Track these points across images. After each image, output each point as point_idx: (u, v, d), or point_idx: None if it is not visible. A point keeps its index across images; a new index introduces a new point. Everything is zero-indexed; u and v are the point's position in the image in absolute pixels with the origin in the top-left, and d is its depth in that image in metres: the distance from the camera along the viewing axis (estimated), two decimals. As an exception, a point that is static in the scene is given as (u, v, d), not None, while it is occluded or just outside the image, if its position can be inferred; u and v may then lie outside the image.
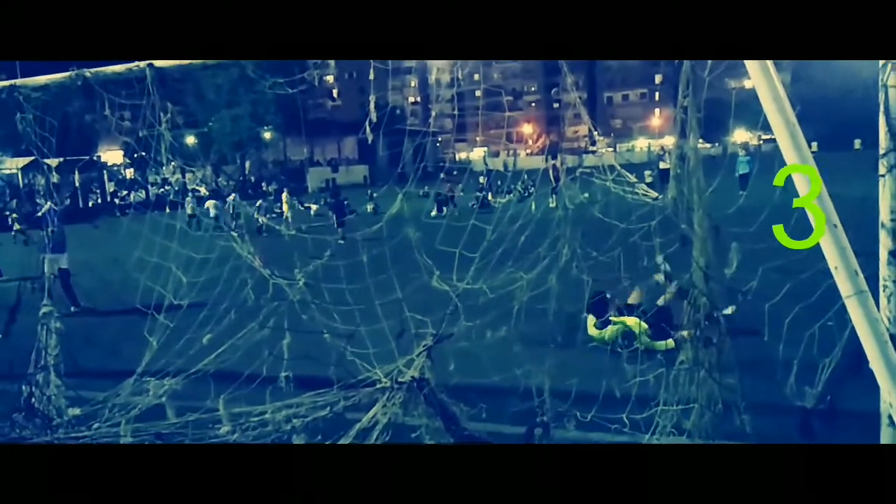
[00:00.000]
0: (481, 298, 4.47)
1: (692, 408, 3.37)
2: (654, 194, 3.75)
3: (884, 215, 3.14)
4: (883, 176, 3.11)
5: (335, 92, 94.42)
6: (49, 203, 11.55)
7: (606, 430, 3.84)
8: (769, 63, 2.56)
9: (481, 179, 25.77)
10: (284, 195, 24.30)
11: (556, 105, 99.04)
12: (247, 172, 53.22)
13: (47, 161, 5.56)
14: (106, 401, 4.05)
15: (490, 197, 22.85)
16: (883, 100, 3.05)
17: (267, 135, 52.34)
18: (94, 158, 41.33)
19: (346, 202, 27.06)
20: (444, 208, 22.55)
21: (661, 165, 23.41)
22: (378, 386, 3.64)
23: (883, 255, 3.16)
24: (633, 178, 3.98)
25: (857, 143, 35.92)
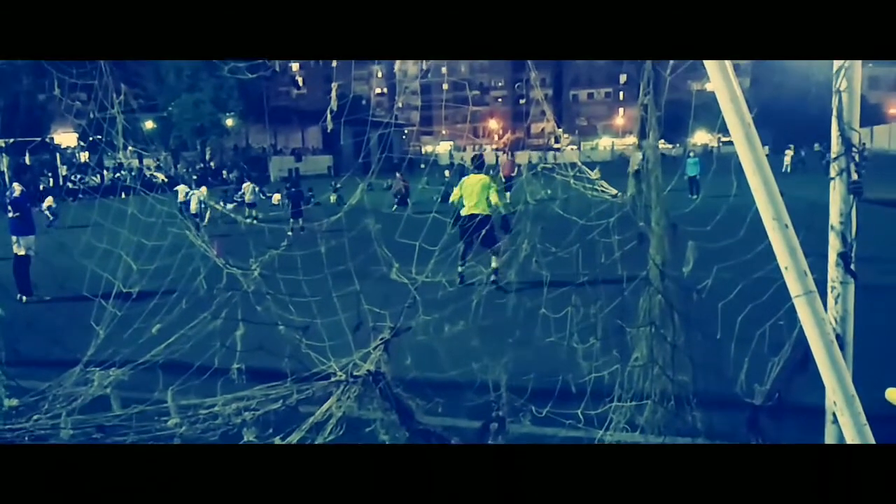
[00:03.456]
0: (440, 292, 4.45)
1: (645, 404, 3.41)
2: (614, 191, 3.78)
3: (833, 218, 3.22)
4: (833, 179, 3.18)
5: (300, 80, 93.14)
6: (20, 186, 11.13)
7: (561, 426, 3.87)
8: (728, 64, 2.59)
9: (446, 173, 25.77)
10: (247, 185, 23.84)
11: (521, 101, 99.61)
12: (207, 159, 52.12)
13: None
14: (47, 391, 3.90)
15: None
16: (836, 104, 3.12)
17: (229, 121, 51.30)
18: (46, 140, 39.96)
19: (309, 192, 26.78)
20: (407, 201, 22.50)
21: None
22: (333, 379, 3.58)
23: (832, 256, 3.24)
24: (593, 175, 4.00)
25: (816, 146, 37.22)
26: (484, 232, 8.30)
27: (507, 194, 10.00)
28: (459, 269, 8.09)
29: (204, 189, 23.66)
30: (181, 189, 19.83)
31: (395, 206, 22.32)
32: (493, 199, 8.95)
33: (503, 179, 17.78)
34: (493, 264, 7.74)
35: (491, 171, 10.20)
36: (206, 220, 17.75)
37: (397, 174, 18.49)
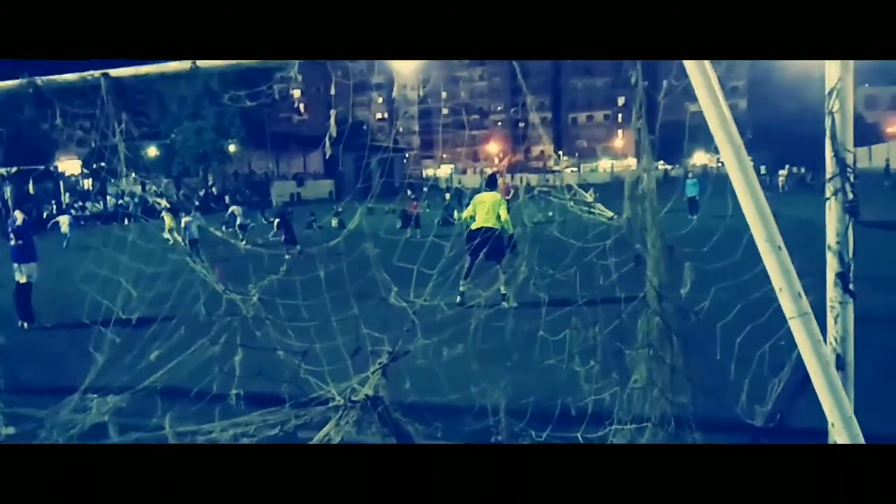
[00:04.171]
0: (438, 315, 4.45)
1: (646, 427, 3.39)
2: (610, 214, 3.79)
3: (830, 238, 3.23)
4: (828, 199, 3.20)
5: (301, 106, 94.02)
6: (21, 214, 11.18)
7: (561, 449, 3.83)
8: (716, 87, 2.62)
9: (447, 196, 25.88)
10: (235, 208, 23.06)
11: (521, 125, 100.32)
12: (210, 185, 52.41)
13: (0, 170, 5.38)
14: (45, 419, 3.88)
15: (456, 214, 22.95)
16: (829, 126, 3.16)
17: (231, 148, 51.69)
18: (50, 169, 40.26)
19: (311, 216, 26.84)
20: (409, 225, 22.54)
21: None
22: (331, 404, 3.56)
23: (830, 276, 3.25)
24: (589, 198, 4.02)
25: (796, 169, 37.46)
26: (492, 245, 8.50)
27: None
28: (462, 287, 8.13)
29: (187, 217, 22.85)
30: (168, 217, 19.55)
31: (400, 226, 22.33)
32: (503, 215, 9.32)
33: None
34: (503, 289, 7.80)
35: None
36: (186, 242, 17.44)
37: (411, 196, 18.26)
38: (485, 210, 9.43)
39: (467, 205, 9.92)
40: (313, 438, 3.42)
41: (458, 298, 7.44)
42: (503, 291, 7.12)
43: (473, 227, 9.35)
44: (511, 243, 8.22)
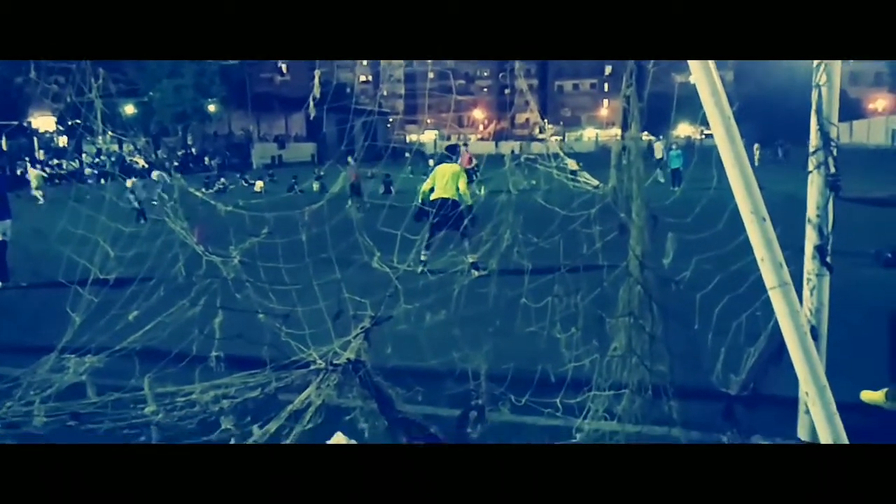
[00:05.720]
0: (421, 281, 4.44)
1: (623, 393, 3.44)
2: (595, 182, 3.79)
3: (810, 211, 3.26)
4: (810, 172, 3.22)
5: (284, 67, 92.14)
6: None
7: (540, 414, 3.89)
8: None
9: (430, 162, 25.71)
10: (156, 173, 19.48)
11: (506, 91, 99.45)
12: (189, 145, 51.49)
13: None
14: (21, 378, 3.84)
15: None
16: (815, 99, 3.16)
17: (211, 107, 50.65)
18: (24, 124, 39.20)
19: (293, 179, 26.53)
20: (392, 188, 22.42)
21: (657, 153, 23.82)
22: (312, 367, 3.56)
23: (808, 249, 3.29)
24: (575, 166, 4.00)
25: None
26: (452, 216, 8.49)
27: (470, 185, 10.40)
28: (423, 256, 8.14)
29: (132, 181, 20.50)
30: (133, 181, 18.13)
31: (383, 191, 22.15)
32: (462, 187, 9.30)
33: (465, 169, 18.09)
34: (470, 258, 7.82)
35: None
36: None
37: (350, 163, 17.58)
38: (444, 181, 9.42)
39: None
40: (294, 401, 3.43)
41: (420, 268, 7.45)
42: (471, 260, 7.16)
43: (433, 197, 9.34)
44: (471, 214, 8.27)
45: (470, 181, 9.83)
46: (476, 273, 6.98)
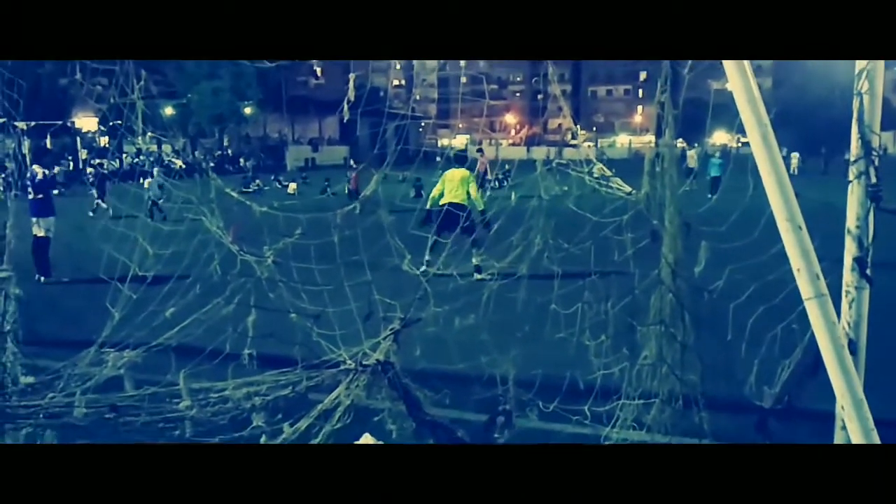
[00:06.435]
0: (451, 284, 4.46)
1: (653, 403, 3.41)
2: (628, 189, 3.77)
3: (850, 221, 3.19)
4: (851, 182, 3.15)
5: (318, 70, 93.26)
6: (42, 169, 11.26)
7: (568, 421, 3.87)
8: (746, 64, 2.57)
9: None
10: (154, 174, 20.02)
11: (539, 96, 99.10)
12: (225, 147, 52.46)
13: (19, 125, 5.40)
14: (62, 371, 3.96)
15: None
16: (857, 107, 3.09)
17: (247, 110, 51.56)
18: (68, 124, 40.41)
19: (326, 181, 26.83)
20: (423, 192, 22.48)
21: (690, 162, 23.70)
22: (342, 367, 3.60)
23: (847, 260, 3.22)
24: (605, 172, 3.99)
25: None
26: (460, 221, 8.55)
27: (481, 191, 10.38)
28: (427, 257, 8.14)
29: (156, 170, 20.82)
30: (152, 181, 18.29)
31: (414, 195, 22.24)
32: (472, 192, 9.36)
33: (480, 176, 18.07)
34: (475, 260, 7.83)
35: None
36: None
37: (353, 168, 17.45)
38: (453, 186, 9.48)
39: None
40: (324, 400, 3.47)
41: (422, 268, 7.48)
42: (476, 263, 7.14)
43: (442, 202, 9.40)
44: (483, 220, 8.28)
45: (480, 187, 9.92)
46: (477, 276, 6.97)
